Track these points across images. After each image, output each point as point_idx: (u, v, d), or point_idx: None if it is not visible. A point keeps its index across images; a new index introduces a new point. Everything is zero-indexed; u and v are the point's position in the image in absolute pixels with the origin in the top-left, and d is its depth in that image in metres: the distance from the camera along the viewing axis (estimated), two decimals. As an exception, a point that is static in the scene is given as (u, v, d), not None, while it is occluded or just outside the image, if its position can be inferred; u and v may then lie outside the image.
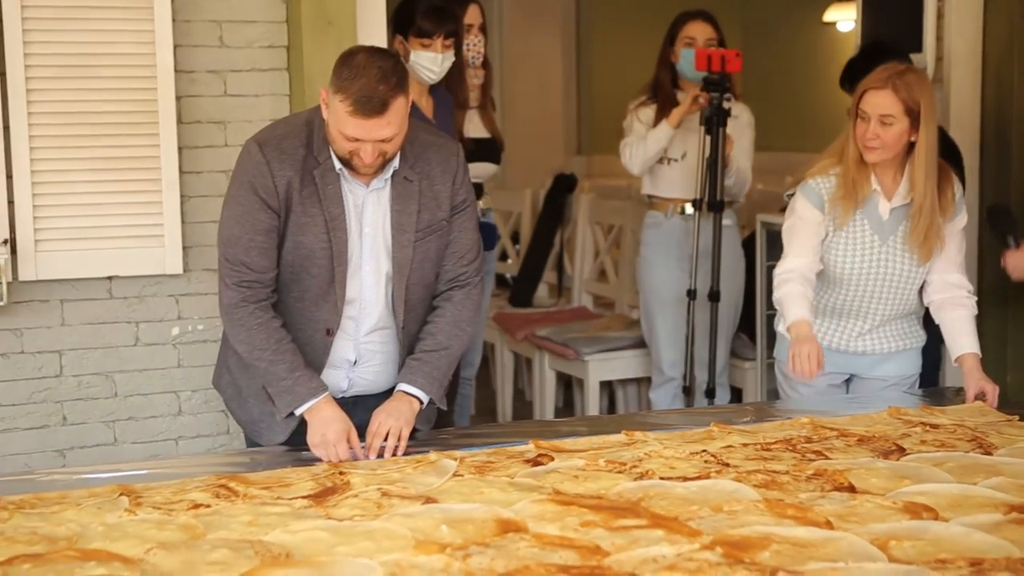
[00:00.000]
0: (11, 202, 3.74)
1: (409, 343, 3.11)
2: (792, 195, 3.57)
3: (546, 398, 5.75)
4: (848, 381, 3.65)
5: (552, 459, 2.74)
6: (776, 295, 3.47)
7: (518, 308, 6.44)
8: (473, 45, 4.70)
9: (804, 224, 3.49)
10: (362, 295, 3.04)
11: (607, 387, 5.68)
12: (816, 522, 2.26)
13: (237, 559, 2.12)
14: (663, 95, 4.88)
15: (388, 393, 3.10)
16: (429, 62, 4.17)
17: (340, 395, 3.10)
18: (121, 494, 2.52)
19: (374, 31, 4.03)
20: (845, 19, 7.82)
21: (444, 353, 3.09)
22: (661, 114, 4.84)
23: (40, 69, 3.74)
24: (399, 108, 2.83)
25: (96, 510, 2.42)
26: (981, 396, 3.32)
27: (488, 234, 4.44)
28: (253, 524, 2.32)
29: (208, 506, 2.44)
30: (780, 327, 3.54)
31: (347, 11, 3.92)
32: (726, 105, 4.64)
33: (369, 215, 3.01)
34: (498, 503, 2.40)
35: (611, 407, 5.69)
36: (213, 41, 3.96)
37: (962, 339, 3.45)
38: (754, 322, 5.24)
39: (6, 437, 3.88)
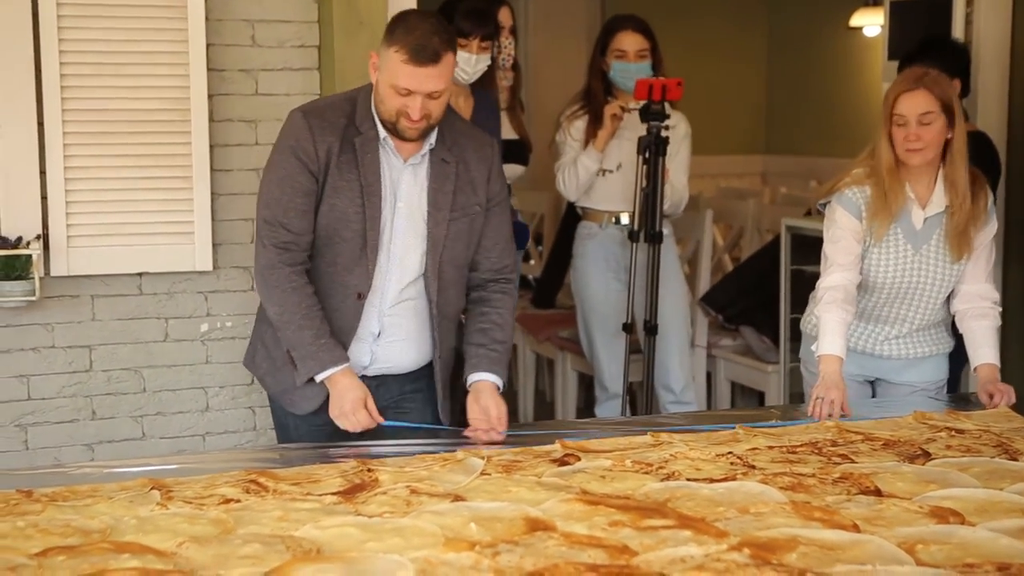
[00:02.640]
0: (44, 198, 3.79)
1: (441, 325, 3.19)
2: (825, 204, 3.57)
3: (568, 399, 5.77)
4: (874, 384, 3.65)
5: (579, 459, 2.76)
6: (817, 310, 3.45)
7: (540, 309, 6.45)
8: (504, 47, 4.72)
9: (845, 234, 3.48)
10: (389, 266, 3.12)
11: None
12: (843, 525, 2.27)
13: (268, 553, 2.14)
14: (594, 105, 4.79)
15: (411, 375, 3.22)
16: (463, 62, 4.20)
17: (362, 371, 3.17)
18: (152, 488, 2.53)
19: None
20: (871, 24, 7.80)
21: (509, 346, 3.25)
22: (593, 127, 4.77)
23: (74, 67, 3.80)
24: (448, 63, 2.98)
25: (128, 503, 2.44)
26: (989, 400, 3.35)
27: (520, 233, 4.45)
28: (283, 519, 2.33)
29: (238, 501, 2.46)
30: (807, 327, 3.60)
31: (378, 11, 3.95)
32: (664, 134, 4.59)
33: (404, 189, 3.11)
34: (526, 502, 2.41)
35: (632, 409, 5.70)
36: (245, 40, 4.00)
37: (982, 349, 3.47)
38: (777, 326, 5.25)
39: (37, 430, 3.93)
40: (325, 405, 3.11)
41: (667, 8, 8.34)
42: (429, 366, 3.28)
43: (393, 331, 3.18)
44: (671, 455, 2.78)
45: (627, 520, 2.29)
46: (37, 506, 2.42)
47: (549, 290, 6.65)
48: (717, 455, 2.77)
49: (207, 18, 3.86)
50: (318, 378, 3.04)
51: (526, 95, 7.56)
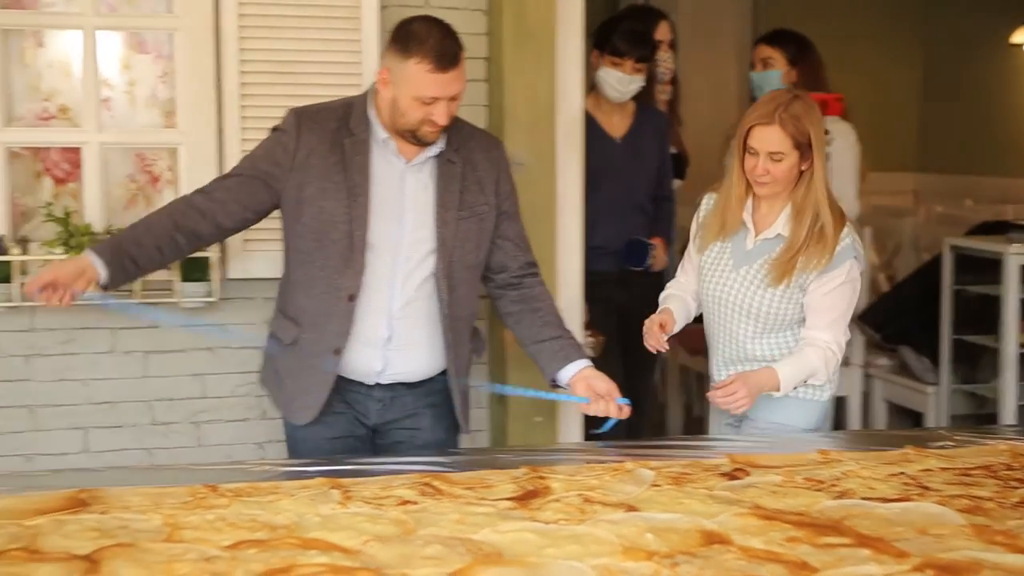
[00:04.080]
0: (224, 205, 3.91)
1: (454, 328, 3.19)
2: None
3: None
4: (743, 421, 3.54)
5: (748, 474, 2.76)
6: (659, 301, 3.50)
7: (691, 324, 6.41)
8: (662, 61, 4.75)
9: (691, 244, 3.52)
10: (395, 268, 3.12)
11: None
12: (1026, 550, 2.25)
13: (450, 555, 2.18)
14: None
15: (425, 387, 3.23)
16: (616, 81, 4.25)
17: (375, 379, 3.18)
18: (331, 487, 2.60)
19: (572, 44, 4.09)
20: (1034, 40, 7.65)
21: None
22: None
23: (253, 75, 3.91)
24: (463, 61, 3.03)
25: (310, 501, 2.50)
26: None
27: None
28: (461, 523, 2.37)
29: (415, 503, 2.51)
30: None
31: (547, 25, 3.99)
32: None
33: (410, 190, 3.12)
34: (699, 514, 2.42)
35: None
36: (417, 52, 4.06)
37: (781, 361, 3.32)
38: (937, 346, 5.17)
39: (210, 428, 4.05)
40: (320, 416, 3.18)
41: (820, 22, 8.26)
42: (442, 376, 3.27)
43: (403, 335, 3.16)
44: (842, 473, 2.76)
45: (803, 536, 2.29)
46: (223, 500, 2.50)
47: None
48: (889, 475, 2.75)
49: (380, 30, 3.94)
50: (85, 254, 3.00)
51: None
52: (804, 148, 3.23)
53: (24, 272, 3.88)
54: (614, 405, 3.12)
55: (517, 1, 3.96)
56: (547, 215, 4.10)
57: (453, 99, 3.02)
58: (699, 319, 3.53)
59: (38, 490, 2.55)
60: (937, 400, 5.19)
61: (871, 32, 8.68)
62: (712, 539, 2.28)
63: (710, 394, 3.29)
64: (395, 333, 3.15)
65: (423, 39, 2.96)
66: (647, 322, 3.38)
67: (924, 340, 5.28)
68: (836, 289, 3.30)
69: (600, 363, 3.90)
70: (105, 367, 4.00)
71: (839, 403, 5.53)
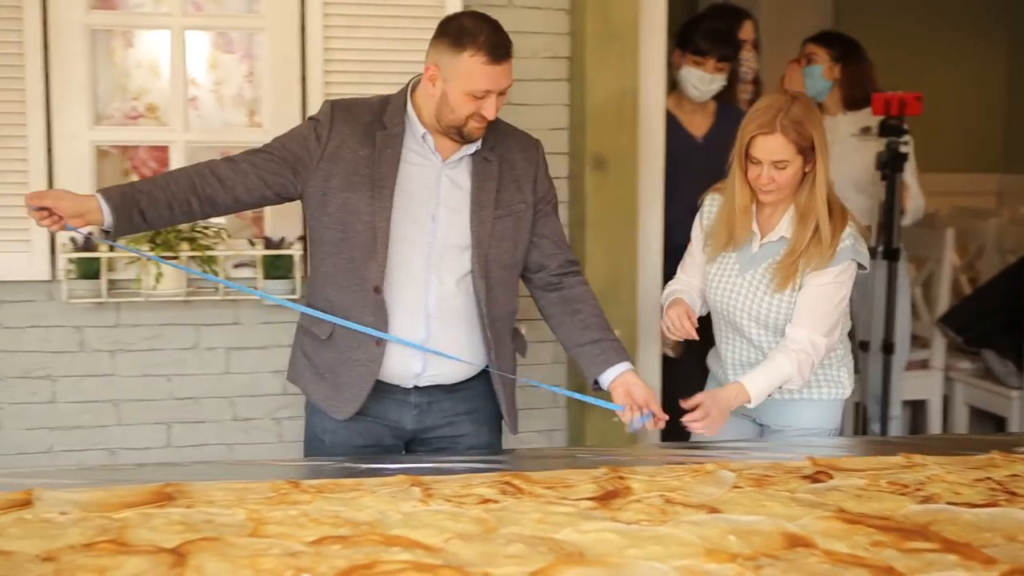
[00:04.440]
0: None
1: (493, 328, 3.15)
2: None
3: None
4: (763, 428, 3.48)
5: (831, 476, 2.74)
6: (661, 301, 3.43)
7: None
8: (745, 60, 4.73)
9: (692, 246, 3.46)
10: (429, 265, 3.08)
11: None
12: (1118, 559, 2.21)
13: (532, 554, 2.18)
14: None
15: (463, 392, 3.19)
16: (697, 80, 4.23)
17: (413, 382, 3.14)
18: (412, 485, 2.62)
19: (655, 44, 4.09)
20: None
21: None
22: None
23: (337, 75, 3.94)
24: (512, 59, 3.02)
25: (391, 498, 2.52)
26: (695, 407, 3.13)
27: None
28: (543, 522, 2.38)
29: (496, 502, 2.52)
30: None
31: (630, 24, 3.99)
32: (903, 150, 4.52)
33: (445, 187, 3.09)
34: (782, 517, 2.41)
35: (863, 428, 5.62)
36: (499, 51, 4.08)
37: (750, 371, 3.25)
38: (1020, 349, 5.10)
39: (291, 424, 4.10)
40: (365, 423, 3.15)
41: (902, 20, 8.18)
42: (479, 380, 3.23)
43: (441, 334, 3.11)
44: (927, 477, 2.73)
45: (889, 541, 2.27)
46: (306, 496, 2.53)
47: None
48: (975, 480, 2.71)
49: (463, 31, 3.96)
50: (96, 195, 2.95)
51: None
52: (807, 152, 3.17)
53: (111, 269, 3.95)
54: (651, 414, 3.06)
55: (600, 0, 3.96)
56: (628, 215, 4.10)
57: (502, 94, 3.02)
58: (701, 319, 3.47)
59: (123, 484, 2.59)
60: (1022, 404, 5.11)
61: (953, 30, 8.56)
62: (795, 542, 2.27)
63: (685, 420, 3.14)
64: (432, 332, 3.11)
65: (475, 33, 2.95)
66: (669, 315, 3.30)
67: (1008, 343, 5.21)
68: (823, 287, 3.23)
69: (681, 364, 3.88)
70: (188, 363, 4.05)
71: (920, 406, 5.48)
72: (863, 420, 4.91)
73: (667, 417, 3.07)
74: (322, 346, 3.17)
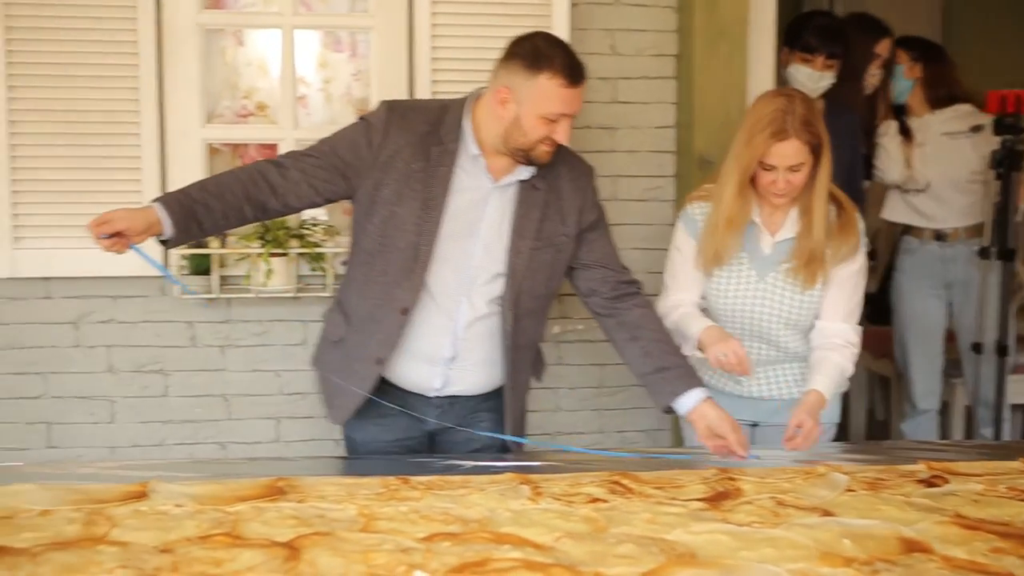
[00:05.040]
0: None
1: (515, 355, 3.08)
2: None
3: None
4: (754, 428, 3.36)
5: (947, 481, 2.69)
6: (669, 324, 3.19)
7: (878, 325, 6.29)
8: (872, 75, 4.68)
9: (683, 257, 3.28)
10: (460, 288, 3.00)
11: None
12: None
13: (643, 554, 2.17)
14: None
15: (485, 396, 3.12)
16: (805, 77, 4.17)
17: (433, 393, 3.08)
18: (520, 483, 2.62)
19: (764, 42, 4.06)
20: None
21: (681, 353, 3.11)
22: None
23: (444, 73, 4.01)
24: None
25: (500, 496, 2.52)
26: (797, 429, 3.00)
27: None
28: (653, 522, 2.36)
29: (605, 501, 2.51)
30: (688, 349, 3.20)
31: (739, 22, 3.96)
32: (1020, 147, 4.43)
33: (490, 211, 2.99)
34: (897, 521, 2.36)
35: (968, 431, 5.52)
36: (605, 49, 4.08)
37: (815, 376, 3.14)
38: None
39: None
40: (377, 419, 3.09)
41: (1016, 14, 8.02)
42: (502, 388, 3.17)
43: (467, 355, 3.05)
44: (1047, 482, 2.68)
45: (1009, 547, 2.22)
46: (416, 493, 2.53)
47: (885, 306, 6.50)
48: (1099, 486, 2.65)
49: (571, 27, 3.95)
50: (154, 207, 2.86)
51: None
52: (818, 149, 3.10)
53: (223, 265, 4.01)
54: (737, 448, 2.94)
55: (710, -2, 3.95)
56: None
57: (572, 117, 2.93)
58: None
59: (235, 477, 2.62)
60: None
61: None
62: (912, 547, 2.23)
63: (793, 446, 3.01)
64: (459, 353, 3.06)
65: (551, 55, 2.86)
66: (725, 352, 3.08)
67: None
68: (852, 277, 3.22)
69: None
70: (297, 359, 4.09)
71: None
72: (972, 424, 4.82)
73: (746, 453, 2.94)
74: (331, 347, 3.15)
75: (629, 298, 3.13)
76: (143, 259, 2.88)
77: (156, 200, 2.86)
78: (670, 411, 3.05)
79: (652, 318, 3.12)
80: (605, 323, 3.16)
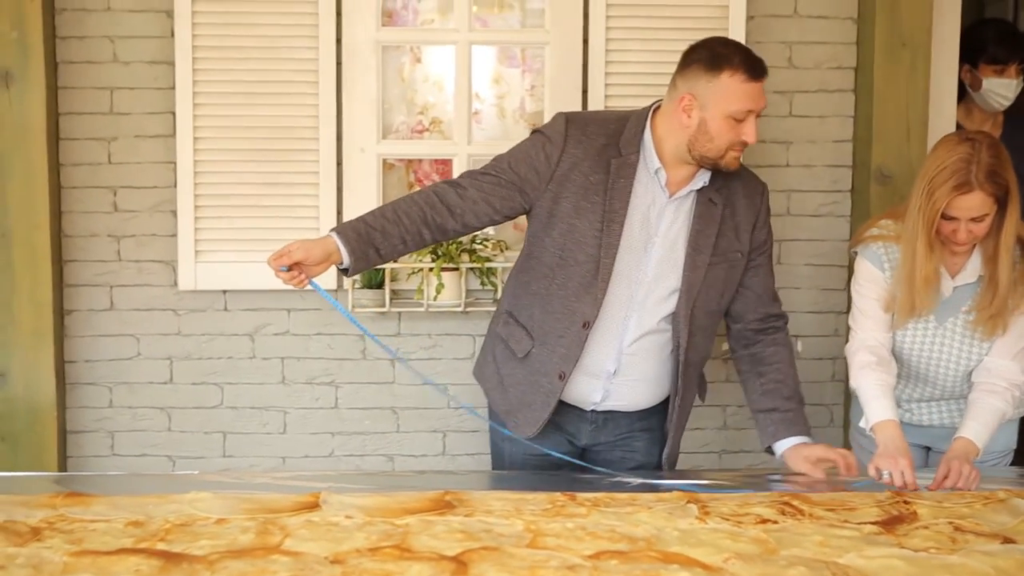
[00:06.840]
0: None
1: (685, 373, 3.04)
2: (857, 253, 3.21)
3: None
4: (928, 451, 3.26)
5: None
6: (852, 379, 3.09)
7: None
8: None
9: (871, 290, 3.13)
10: (632, 303, 2.97)
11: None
12: None
13: (815, 578, 2.13)
14: None
15: (641, 412, 3.09)
16: (1004, 89, 4.06)
17: (592, 407, 3.07)
18: (688, 502, 2.59)
19: (948, 53, 3.96)
20: None
21: (799, 400, 3.10)
22: None
23: (618, 88, 4.01)
24: None
25: (667, 515, 2.50)
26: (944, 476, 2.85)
27: None
28: (824, 545, 2.32)
29: (775, 522, 2.47)
30: (863, 422, 3.11)
31: (922, 32, 3.86)
32: None
33: (665, 226, 2.97)
34: (1084, 552, 2.28)
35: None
36: (782, 62, 4.03)
37: (969, 422, 2.98)
38: None
39: (452, 437, 4.19)
40: (544, 432, 3.06)
41: None
42: (660, 406, 3.13)
43: (630, 370, 3.03)
44: None
45: None
46: (582, 509, 2.53)
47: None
48: None
49: (748, 40, 3.91)
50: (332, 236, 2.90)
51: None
52: (1004, 199, 2.96)
53: (394, 279, 4.06)
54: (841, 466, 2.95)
55: (891, 9, 3.85)
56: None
57: (758, 115, 2.91)
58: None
59: (403, 490, 2.65)
60: None
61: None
62: (1100, 579, 2.14)
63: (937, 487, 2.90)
64: (622, 368, 3.04)
65: (729, 53, 2.87)
66: (890, 472, 2.89)
67: None
68: None
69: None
70: (465, 373, 4.11)
71: None
72: None
73: (820, 475, 2.95)
74: (515, 362, 3.13)
75: (772, 332, 3.14)
76: (320, 295, 2.97)
77: (333, 230, 2.92)
78: (771, 451, 3.08)
79: (783, 357, 3.14)
80: (739, 352, 3.18)
